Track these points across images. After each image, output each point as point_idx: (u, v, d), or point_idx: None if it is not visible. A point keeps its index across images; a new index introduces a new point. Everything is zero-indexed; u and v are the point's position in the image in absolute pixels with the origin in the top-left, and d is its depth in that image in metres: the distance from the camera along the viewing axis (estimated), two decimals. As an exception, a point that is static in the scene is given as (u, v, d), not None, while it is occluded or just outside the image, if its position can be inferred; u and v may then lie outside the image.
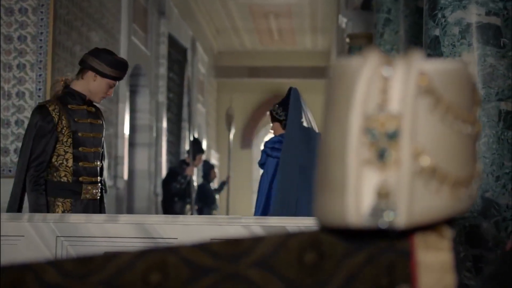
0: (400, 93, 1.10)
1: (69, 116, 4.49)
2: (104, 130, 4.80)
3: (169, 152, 13.31)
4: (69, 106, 4.52)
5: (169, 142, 13.26)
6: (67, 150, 4.47)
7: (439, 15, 3.58)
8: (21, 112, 7.26)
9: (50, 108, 4.46)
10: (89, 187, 4.56)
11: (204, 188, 12.28)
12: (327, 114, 1.17)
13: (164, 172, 12.14)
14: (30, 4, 7.28)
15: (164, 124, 12.46)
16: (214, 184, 12.89)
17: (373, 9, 7.57)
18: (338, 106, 1.13)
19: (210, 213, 11.95)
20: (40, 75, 7.22)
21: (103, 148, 4.77)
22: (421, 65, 1.10)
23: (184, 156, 12.54)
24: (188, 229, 3.84)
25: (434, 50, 3.58)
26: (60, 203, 4.46)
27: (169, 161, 13.17)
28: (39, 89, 7.24)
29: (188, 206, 10.75)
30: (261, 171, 5.12)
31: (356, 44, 9.47)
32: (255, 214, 5.05)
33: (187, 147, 12.50)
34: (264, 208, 4.99)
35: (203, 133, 16.84)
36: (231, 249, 1.19)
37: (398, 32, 6.52)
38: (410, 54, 1.12)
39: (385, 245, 1.13)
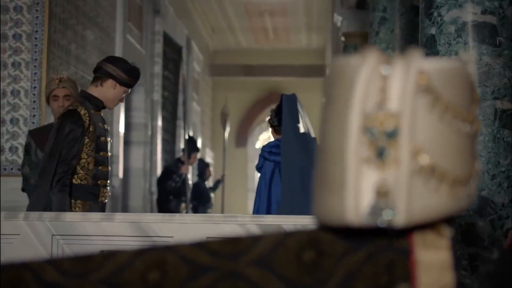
0: (399, 92, 1.10)
1: (94, 121, 4.58)
2: None
3: (164, 150, 13.30)
4: (92, 111, 4.60)
5: (164, 141, 13.25)
6: (90, 153, 4.56)
7: (435, 14, 3.58)
8: (16, 111, 7.25)
9: (81, 113, 4.53)
10: (104, 190, 4.67)
11: (199, 187, 12.28)
12: (326, 112, 1.17)
13: (159, 170, 12.14)
14: (25, 2, 7.27)
15: (159, 122, 12.45)
16: (209, 183, 12.89)
17: (369, 7, 7.57)
18: (337, 105, 1.13)
19: (205, 212, 11.95)
20: (35, 73, 7.20)
21: None
22: (420, 63, 1.11)
23: (179, 154, 12.54)
24: (184, 227, 3.84)
25: (430, 48, 3.58)
26: (80, 205, 4.54)
27: (164, 159, 13.16)
28: (34, 87, 7.23)
29: (183, 205, 10.75)
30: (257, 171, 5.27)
31: (352, 42, 9.47)
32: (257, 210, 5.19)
33: (182, 145, 12.49)
34: (264, 210, 5.14)
35: (198, 132, 16.84)
36: (229, 247, 1.19)
37: (394, 31, 6.52)
38: (409, 53, 1.12)
39: (384, 243, 1.13)
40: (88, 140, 4.53)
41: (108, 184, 4.73)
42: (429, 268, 1.12)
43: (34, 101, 7.22)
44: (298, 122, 5.20)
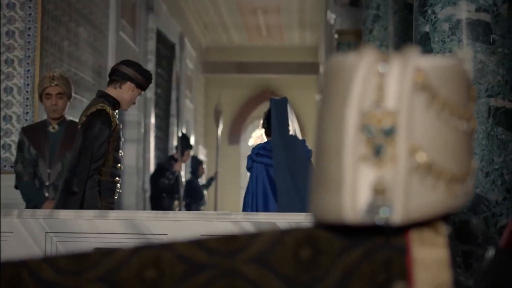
0: (396, 90, 1.10)
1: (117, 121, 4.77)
2: None
3: (157, 148, 13.28)
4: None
5: (157, 138, 13.23)
6: (111, 152, 4.72)
7: (429, 12, 3.59)
8: (9, 108, 7.23)
9: (109, 113, 4.69)
10: (118, 187, 4.82)
11: (192, 184, 12.27)
12: (323, 110, 1.17)
13: (152, 168, 12.12)
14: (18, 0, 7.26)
15: (152, 120, 12.43)
16: (202, 180, 12.88)
17: (362, 5, 7.58)
18: (334, 103, 1.13)
19: (198, 209, 11.94)
20: (28, 70, 7.18)
21: None
22: (417, 61, 1.11)
23: (172, 152, 12.52)
24: (178, 225, 3.84)
25: (424, 46, 3.59)
26: (104, 202, 4.69)
27: (157, 157, 13.15)
28: (27, 84, 7.21)
29: (176, 202, 10.74)
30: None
31: (345, 40, 9.47)
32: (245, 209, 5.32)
33: (175, 143, 12.48)
34: (253, 209, 5.29)
35: (191, 129, 16.82)
36: (226, 245, 1.18)
37: (387, 29, 6.53)
38: (405, 51, 1.12)
39: (381, 241, 1.14)
40: (111, 139, 4.69)
41: (120, 182, 4.88)
42: (426, 265, 1.12)
43: (27, 98, 7.21)
44: (286, 125, 5.37)
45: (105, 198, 4.68)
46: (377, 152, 1.09)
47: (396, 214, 1.08)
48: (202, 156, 16.63)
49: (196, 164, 12.49)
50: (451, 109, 1.11)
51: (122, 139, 4.94)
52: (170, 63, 14.00)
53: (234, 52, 19.02)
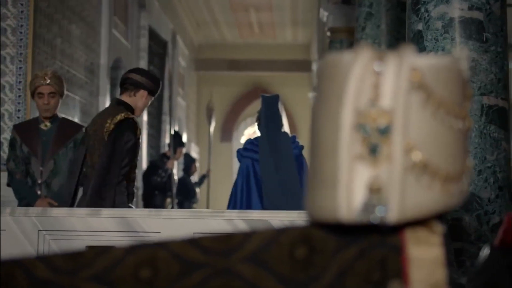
0: (392, 89, 1.10)
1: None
2: None
3: (149, 145, 13.27)
4: None
5: (149, 136, 13.22)
6: (134, 158, 4.94)
7: (422, 10, 3.59)
8: (1, 105, 7.20)
9: (136, 121, 4.91)
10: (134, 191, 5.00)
11: (184, 182, 12.25)
12: (318, 109, 1.16)
13: (144, 165, 12.10)
14: (10, -4, 7.23)
15: (145, 117, 12.41)
16: (195, 177, 12.87)
17: (355, 3, 7.57)
18: (329, 101, 1.13)
19: (190, 207, 11.93)
20: (20, 67, 7.16)
21: None
22: (412, 60, 1.10)
23: (165, 149, 12.50)
24: (171, 223, 3.84)
25: (417, 44, 3.59)
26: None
27: (149, 154, 13.13)
28: (19, 82, 7.19)
29: (168, 200, 10.72)
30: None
31: (337, 38, 9.47)
32: (228, 205, 5.49)
33: (167, 140, 12.46)
34: (243, 206, 5.44)
35: (184, 126, 16.80)
36: (222, 244, 1.18)
37: (380, 26, 6.53)
38: (401, 50, 1.12)
39: (376, 240, 1.13)
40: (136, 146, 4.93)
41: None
42: (421, 264, 1.12)
43: (19, 96, 7.18)
44: (277, 121, 5.53)
45: (128, 203, 4.87)
46: (373, 151, 1.09)
47: (392, 213, 1.08)
48: (194, 154, 16.62)
49: (189, 162, 12.47)
50: (446, 108, 1.11)
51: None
52: (162, 60, 13.98)
53: (227, 50, 19.01)
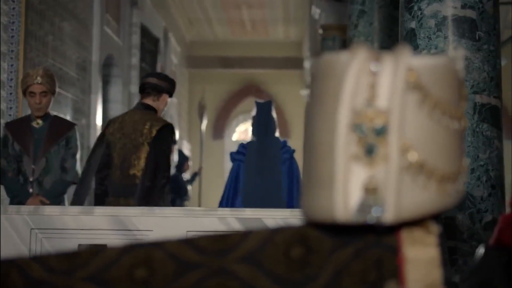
0: (388, 89, 1.10)
1: None
2: None
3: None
4: None
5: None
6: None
7: (415, 8, 3.59)
8: (-7, 103, 7.18)
9: (173, 127, 5.36)
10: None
11: (176, 179, 12.24)
12: (313, 109, 1.16)
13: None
14: (2, -7, 7.20)
15: (136, 114, 12.39)
16: (186, 175, 12.85)
17: (347, 0, 7.57)
18: (326, 101, 1.13)
19: (182, 204, 11.92)
20: (12, 65, 7.13)
21: None
22: (409, 61, 1.10)
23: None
24: (164, 221, 3.83)
25: (410, 42, 3.59)
26: None
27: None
28: (11, 79, 7.16)
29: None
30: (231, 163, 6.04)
31: (330, 35, 9.46)
32: (220, 203, 5.90)
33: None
34: (229, 204, 5.88)
35: (175, 124, 16.77)
36: (217, 244, 1.18)
37: (372, 24, 6.53)
38: (397, 50, 1.12)
39: (372, 240, 1.13)
40: None
41: None
42: (417, 264, 1.12)
43: (10, 93, 7.16)
44: (269, 126, 5.96)
45: None
46: (369, 151, 1.09)
47: (388, 213, 1.08)
48: (186, 151, 16.60)
49: (182, 159, 12.47)
50: (442, 108, 1.11)
51: None
52: (154, 57, 13.97)
53: (218, 47, 18.99)
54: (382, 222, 1.08)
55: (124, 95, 11.62)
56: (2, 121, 6.94)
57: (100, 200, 5.09)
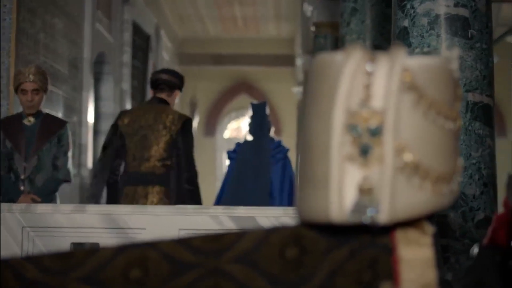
0: (383, 89, 1.09)
1: None
2: None
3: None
4: None
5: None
6: None
7: (408, 6, 3.59)
8: (-15, 101, 7.14)
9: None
10: None
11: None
12: (309, 109, 1.16)
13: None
14: (-7, -10, 7.16)
15: (128, 111, 12.36)
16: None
17: (339, -3, 7.56)
18: (321, 102, 1.13)
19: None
20: (3, 62, 7.10)
21: None
22: (404, 61, 1.10)
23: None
24: (156, 219, 3.82)
25: (403, 40, 3.59)
26: None
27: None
28: (2, 76, 7.12)
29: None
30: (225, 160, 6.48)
31: (322, 33, 9.45)
32: (216, 201, 6.26)
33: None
34: (219, 198, 6.29)
35: (167, 121, 16.72)
36: (212, 244, 1.18)
37: (365, 22, 6.52)
38: (393, 50, 1.12)
39: (367, 240, 1.13)
40: None
41: None
42: (412, 265, 1.12)
43: (1, 91, 7.13)
44: (264, 127, 6.28)
45: None
46: (364, 151, 1.09)
47: (383, 214, 1.08)
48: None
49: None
50: (438, 109, 1.11)
51: None
52: (146, 54, 13.94)
53: (210, 44, 18.96)
54: (377, 222, 1.08)
55: (116, 92, 11.59)
56: (-7, 118, 6.91)
57: (112, 189, 5.37)
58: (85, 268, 1.17)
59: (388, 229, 1.12)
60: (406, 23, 3.61)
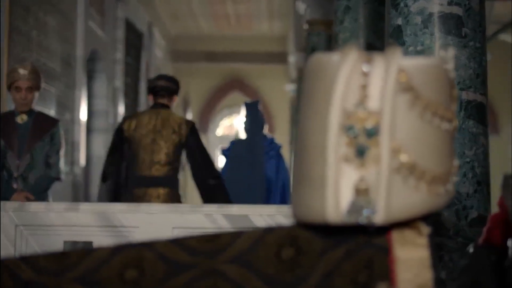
0: (379, 90, 1.09)
1: None
2: None
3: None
4: None
5: (126, 128, 13.12)
6: None
7: (402, 4, 3.59)
8: (-23, 99, 7.12)
9: None
10: None
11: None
12: (305, 109, 1.16)
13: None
14: (-15, -12, 7.14)
15: (121, 109, 12.35)
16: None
17: (332, -5, 7.55)
18: (317, 102, 1.13)
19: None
20: (-4, 60, 7.08)
21: None
22: (400, 62, 1.10)
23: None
24: (150, 217, 3.82)
25: (396, 39, 3.59)
26: None
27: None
28: (-5, 74, 7.11)
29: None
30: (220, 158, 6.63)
31: (315, 30, 9.44)
32: None
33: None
34: None
35: (160, 118, 16.70)
36: (208, 245, 1.18)
37: (358, 20, 6.52)
38: (389, 51, 1.12)
39: (363, 241, 1.13)
40: None
41: None
42: (408, 265, 1.12)
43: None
44: (257, 126, 6.46)
45: None
46: (360, 152, 1.09)
47: (379, 214, 1.08)
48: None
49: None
50: (433, 109, 1.12)
51: None
52: (139, 52, 13.93)
53: (203, 41, 18.95)
54: (373, 223, 1.08)
55: (109, 90, 11.58)
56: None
57: (117, 192, 5.46)
58: (81, 269, 1.17)
59: (384, 230, 1.12)
60: (399, 21, 3.61)
